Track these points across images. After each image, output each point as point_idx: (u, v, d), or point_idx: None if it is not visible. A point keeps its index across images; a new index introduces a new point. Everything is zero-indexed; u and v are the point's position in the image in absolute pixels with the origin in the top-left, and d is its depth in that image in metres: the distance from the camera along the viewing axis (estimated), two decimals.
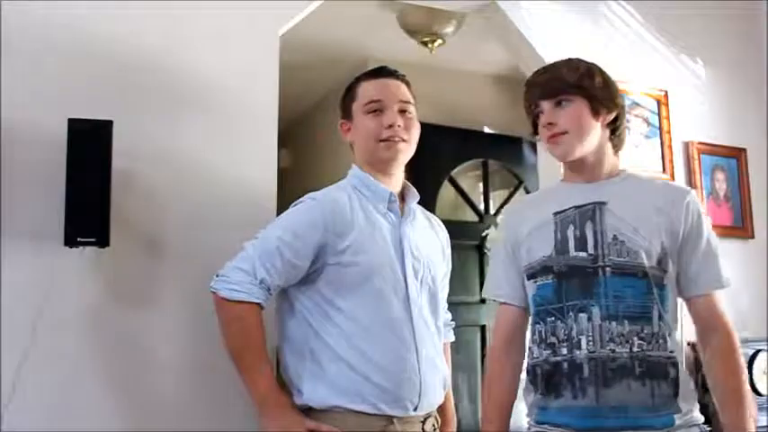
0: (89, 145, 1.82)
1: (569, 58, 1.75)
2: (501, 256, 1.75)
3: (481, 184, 4.11)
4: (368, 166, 1.79)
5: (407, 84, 1.84)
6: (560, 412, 1.58)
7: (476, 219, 4.02)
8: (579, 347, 1.55)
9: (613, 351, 1.52)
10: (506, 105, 4.07)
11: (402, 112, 1.77)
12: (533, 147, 3.26)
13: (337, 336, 1.67)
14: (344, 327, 1.67)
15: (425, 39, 3.39)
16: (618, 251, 1.57)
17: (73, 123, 1.81)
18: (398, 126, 1.74)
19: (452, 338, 2.00)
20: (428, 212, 1.98)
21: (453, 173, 3.94)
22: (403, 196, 1.83)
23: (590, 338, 1.54)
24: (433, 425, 1.78)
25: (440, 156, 3.80)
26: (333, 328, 1.68)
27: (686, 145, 3.00)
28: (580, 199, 1.65)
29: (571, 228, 1.63)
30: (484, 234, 3.95)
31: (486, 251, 3.93)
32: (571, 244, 1.61)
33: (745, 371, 1.65)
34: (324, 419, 1.64)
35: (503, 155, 4.10)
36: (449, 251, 1.97)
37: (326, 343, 1.68)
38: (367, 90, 1.79)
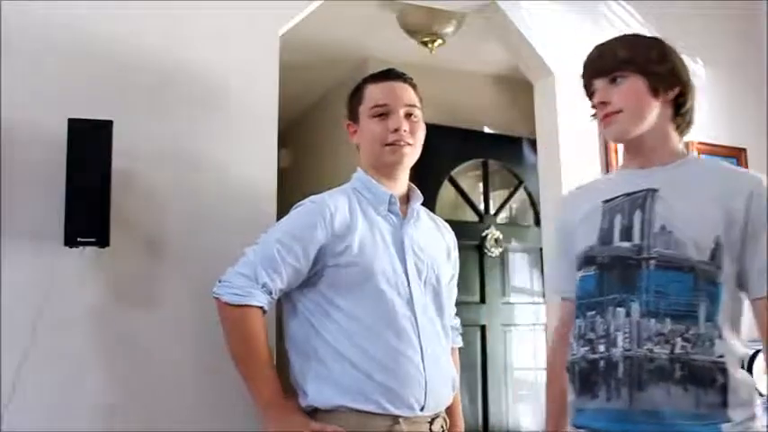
0: (89, 145, 1.82)
1: (626, 33, 1.63)
2: (555, 247, 1.68)
3: (481, 184, 4.11)
4: (373, 169, 1.80)
5: (414, 86, 1.83)
6: (596, 414, 1.46)
7: (476, 219, 4.02)
8: (615, 345, 1.43)
9: (651, 351, 1.39)
10: (506, 105, 4.07)
11: (408, 115, 1.77)
12: (533, 147, 3.26)
13: (337, 333, 1.67)
14: (345, 325, 1.67)
15: (425, 39, 3.39)
16: (665, 242, 1.44)
17: (73, 123, 1.81)
18: (404, 131, 1.74)
19: (460, 344, 1.98)
20: (434, 215, 1.98)
21: (453, 173, 3.93)
22: (408, 198, 1.84)
23: (626, 336, 1.42)
24: (442, 426, 1.75)
25: (440, 156, 3.80)
26: (332, 325, 1.69)
27: (686, 145, 2.98)
28: (632, 186, 1.53)
29: (618, 216, 1.51)
30: (484, 234, 3.95)
31: (485, 251, 3.93)
32: (616, 233, 1.49)
33: None
34: (329, 420, 1.64)
35: (503, 155, 4.09)
36: (455, 253, 1.96)
37: (327, 341, 1.68)
38: (373, 93, 1.79)
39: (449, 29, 3.34)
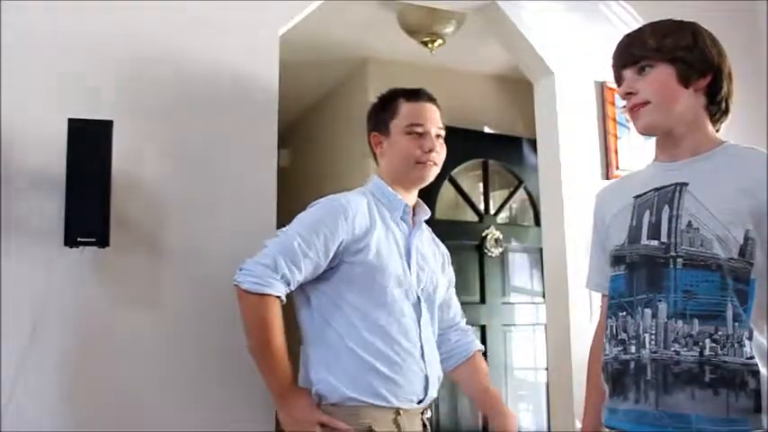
0: (89, 145, 1.82)
1: (657, 20, 1.54)
2: (592, 243, 1.63)
3: (481, 184, 4.11)
4: (394, 181, 1.88)
5: (440, 108, 1.96)
6: (626, 416, 1.43)
7: (476, 219, 4.02)
8: (645, 346, 1.39)
9: (678, 353, 1.35)
10: (506, 105, 4.07)
11: (437, 137, 1.89)
12: (533, 147, 3.26)
13: (348, 327, 1.74)
14: (356, 321, 1.74)
15: (425, 39, 3.39)
16: (690, 240, 1.37)
17: (73, 123, 1.81)
18: (436, 152, 1.86)
19: (481, 347, 2.13)
20: (431, 230, 2.08)
21: (453, 173, 3.93)
22: (414, 211, 1.93)
23: (653, 337, 1.38)
24: (429, 416, 1.87)
25: None
26: (342, 319, 1.75)
27: None
28: (662, 180, 1.46)
29: (647, 213, 1.45)
30: (484, 234, 3.95)
31: (485, 251, 3.93)
32: (644, 231, 1.44)
33: None
34: (337, 412, 1.70)
35: (503, 155, 4.09)
36: (449, 268, 2.07)
37: (339, 334, 1.75)
38: (410, 111, 1.88)
39: (449, 29, 3.34)
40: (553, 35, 2.77)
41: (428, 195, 3.85)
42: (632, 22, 2.91)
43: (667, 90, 1.45)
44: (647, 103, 1.46)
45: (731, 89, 1.50)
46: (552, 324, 2.83)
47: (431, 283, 1.89)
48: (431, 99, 1.95)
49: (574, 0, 2.84)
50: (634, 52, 1.48)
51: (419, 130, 1.85)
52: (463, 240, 3.86)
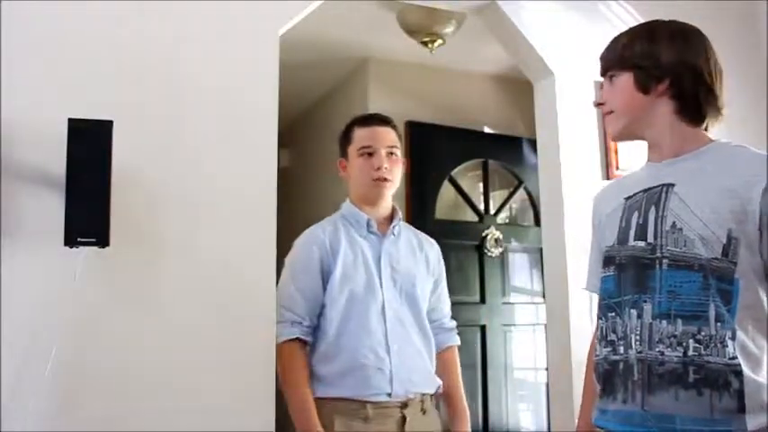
0: (89, 145, 1.82)
1: (630, 28, 1.57)
2: (591, 244, 1.65)
3: (481, 184, 4.11)
4: (358, 199, 2.13)
5: (395, 128, 2.15)
6: (614, 416, 1.44)
7: (476, 219, 4.02)
8: (631, 347, 1.40)
9: (662, 353, 1.35)
10: (506, 105, 4.07)
11: (389, 154, 2.09)
12: (533, 147, 3.26)
13: (322, 335, 2.01)
14: (328, 328, 2.00)
15: (425, 39, 3.39)
16: (675, 240, 1.38)
17: (73, 123, 1.81)
18: (385, 168, 2.07)
19: (458, 342, 2.26)
20: (419, 232, 2.25)
21: (453, 173, 3.93)
22: (392, 218, 2.15)
23: (638, 338, 1.39)
24: (422, 409, 2.03)
25: (440, 156, 3.81)
26: (320, 329, 2.02)
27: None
28: (651, 180, 1.47)
29: (636, 214, 1.47)
30: (484, 234, 3.95)
31: (485, 251, 3.93)
32: (632, 232, 1.45)
33: None
34: (320, 407, 1.94)
35: (503, 155, 4.09)
36: (438, 266, 2.23)
37: (318, 343, 2.02)
38: (361, 135, 2.11)
39: (449, 29, 3.34)
40: (553, 35, 2.78)
41: (428, 195, 3.88)
42: (632, 22, 2.92)
43: (627, 98, 1.47)
44: (612, 112, 1.51)
45: (714, 87, 1.47)
46: (552, 324, 2.84)
47: (408, 281, 2.08)
48: (383, 122, 2.14)
49: (574, 0, 2.85)
50: (603, 63, 1.54)
51: (369, 150, 2.08)
52: (463, 240, 3.86)
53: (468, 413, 2.20)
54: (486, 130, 4.13)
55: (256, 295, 2.12)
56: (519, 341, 3.99)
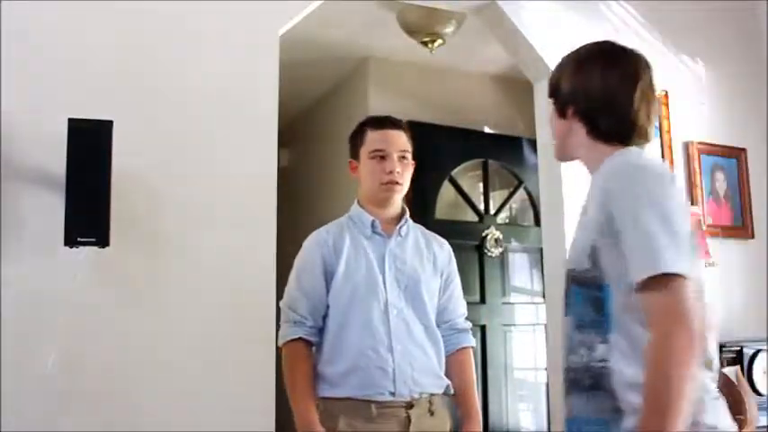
0: (89, 145, 1.82)
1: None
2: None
3: (481, 184, 4.11)
4: (368, 200, 2.13)
5: (406, 131, 2.14)
6: (565, 424, 1.53)
7: (476, 219, 4.01)
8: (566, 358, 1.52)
9: (570, 361, 1.45)
10: (506, 105, 4.07)
11: (401, 158, 2.09)
12: (533, 147, 3.26)
13: (327, 335, 1.99)
14: (333, 327, 1.99)
15: (425, 39, 3.39)
16: (572, 256, 1.47)
17: (73, 123, 1.82)
18: (397, 172, 2.07)
19: (472, 343, 2.21)
20: (429, 233, 2.22)
21: (453, 173, 3.93)
22: (400, 220, 2.15)
23: (563, 348, 1.49)
24: (430, 410, 2.01)
25: (440, 156, 3.80)
26: (326, 329, 2.01)
27: (686, 145, 3.00)
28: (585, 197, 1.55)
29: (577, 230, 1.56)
30: (484, 234, 3.95)
31: (485, 251, 3.93)
32: (570, 248, 1.52)
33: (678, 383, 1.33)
34: (326, 406, 1.94)
35: (503, 155, 4.09)
36: (448, 265, 2.19)
37: (323, 344, 2.00)
38: (374, 138, 2.10)
39: (449, 29, 3.34)
40: (553, 35, 2.77)
41: (428, 195, 3.88)
42: (632, 22, 2.92)
43: (554, 123, 1.58)
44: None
45: (621, 108, 1.49)
46: (552, 324, 2.84)
47: (412, 281, 2.07)
48: (395, 125, 2.13)
49: (574, 0, 2.85)
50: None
51: (381, 154, 2.07)
52: (463, 240, 3.85)
53: (480, 416, 2.18)
54: (486, 129, 4.13)
55: (256, 295, 2.12)
56: (519, 341, 3.98)
